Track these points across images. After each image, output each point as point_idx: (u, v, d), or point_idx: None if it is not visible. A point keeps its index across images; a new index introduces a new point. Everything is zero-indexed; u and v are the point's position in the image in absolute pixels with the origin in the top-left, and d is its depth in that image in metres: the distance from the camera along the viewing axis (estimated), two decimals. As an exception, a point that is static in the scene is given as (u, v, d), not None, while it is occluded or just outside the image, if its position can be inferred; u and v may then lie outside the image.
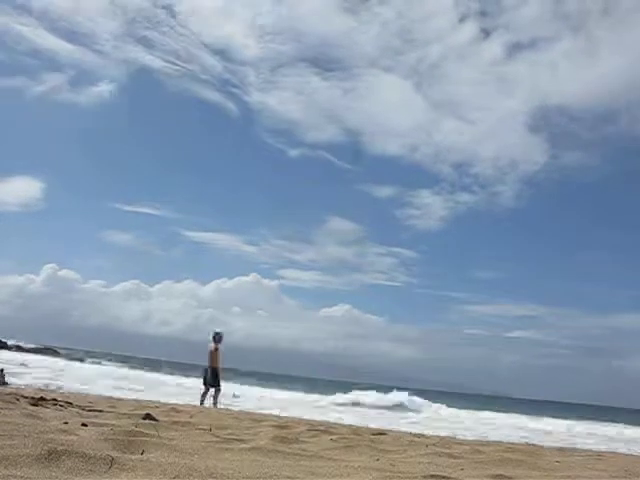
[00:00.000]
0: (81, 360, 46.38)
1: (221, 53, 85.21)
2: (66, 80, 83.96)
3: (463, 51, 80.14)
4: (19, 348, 47.92)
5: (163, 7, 75.29)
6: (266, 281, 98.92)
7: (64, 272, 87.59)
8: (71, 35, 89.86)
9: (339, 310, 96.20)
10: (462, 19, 79.48)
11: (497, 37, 77.04)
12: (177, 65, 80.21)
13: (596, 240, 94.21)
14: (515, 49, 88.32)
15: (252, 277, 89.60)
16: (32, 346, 50.76)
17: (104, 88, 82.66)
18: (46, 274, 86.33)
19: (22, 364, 26.06)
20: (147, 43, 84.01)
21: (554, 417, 27.39)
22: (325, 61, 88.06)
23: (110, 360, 51.93)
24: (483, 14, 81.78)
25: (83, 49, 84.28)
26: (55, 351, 52.89)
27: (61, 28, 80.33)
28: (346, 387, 33.29)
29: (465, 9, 75.96)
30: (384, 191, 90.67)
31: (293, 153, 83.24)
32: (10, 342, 49.16)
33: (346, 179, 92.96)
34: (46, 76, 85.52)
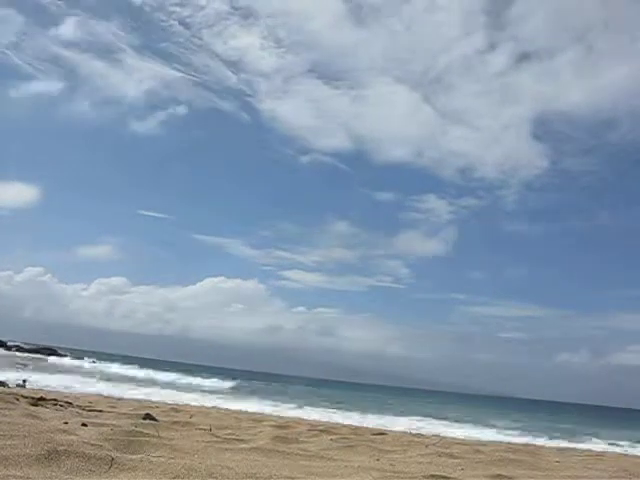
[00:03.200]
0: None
1: (235, 64, 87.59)
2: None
3: (469, 62, 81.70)
4: (20, 349, 47.90)
5: (178, 20, 76.24)
6: (267, 282, 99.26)
7: (48, 276, 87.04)
8: (88, 45, 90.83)
9: (338, 310, 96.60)
10: (469, 31, 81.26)
11: (502, 48, 78.70)
12: (191, 75, 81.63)
13: (596, 242, 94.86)
14: (520, 60, 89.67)
15: (254, 280, 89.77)
16: (33, 346, 50.63)
17: (118, 97, 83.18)
18: (28, 274, 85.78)
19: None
20: (162, 54, 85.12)
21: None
22: (336, 71, 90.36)
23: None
24: (489, 26, 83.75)
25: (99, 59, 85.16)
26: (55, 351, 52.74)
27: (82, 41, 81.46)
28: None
29: (472, 22, 77.41)
30: (389, 196, 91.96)
31: (303, 159, 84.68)
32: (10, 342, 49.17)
33: (353, 184, 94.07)
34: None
